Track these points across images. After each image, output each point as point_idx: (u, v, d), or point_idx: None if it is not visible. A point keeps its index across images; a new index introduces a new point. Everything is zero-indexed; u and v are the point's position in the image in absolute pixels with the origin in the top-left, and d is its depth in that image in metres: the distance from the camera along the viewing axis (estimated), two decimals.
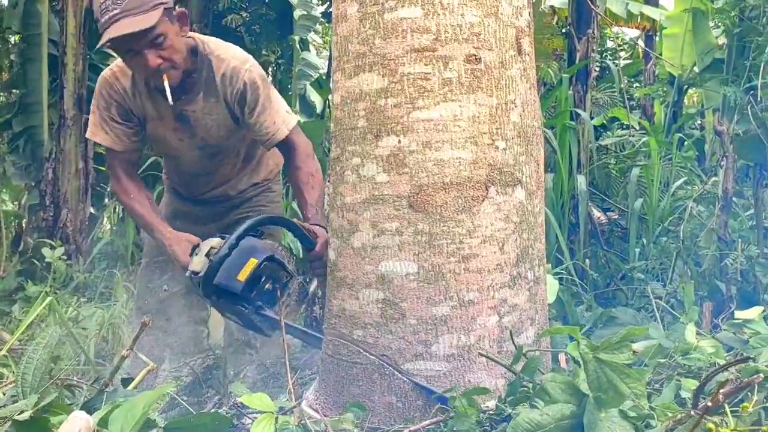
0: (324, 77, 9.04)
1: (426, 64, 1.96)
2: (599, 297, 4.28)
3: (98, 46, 2.56)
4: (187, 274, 2.61)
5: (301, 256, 2.72)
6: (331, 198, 2.16)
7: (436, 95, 1.95)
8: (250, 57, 2.80)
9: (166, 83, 2.57)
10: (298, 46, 8.27)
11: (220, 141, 2.89)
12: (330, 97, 2.62)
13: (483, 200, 1.97)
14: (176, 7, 2.63)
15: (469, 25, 1.97)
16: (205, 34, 2.93)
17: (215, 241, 2.58)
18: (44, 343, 1.79)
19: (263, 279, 2.48)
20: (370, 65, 2.01)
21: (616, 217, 5.72)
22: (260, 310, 2.48)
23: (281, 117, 2.78)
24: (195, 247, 2.67)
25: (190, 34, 2.77)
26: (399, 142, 1.97)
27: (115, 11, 2.43)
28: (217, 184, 3.06)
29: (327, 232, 2.40)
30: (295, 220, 2.66)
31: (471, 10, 1.97)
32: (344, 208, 2.08)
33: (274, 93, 2.81)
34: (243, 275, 2.42)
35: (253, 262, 2.44)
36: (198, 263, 2.56)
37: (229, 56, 2.74)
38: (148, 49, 2.50)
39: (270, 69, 10.04)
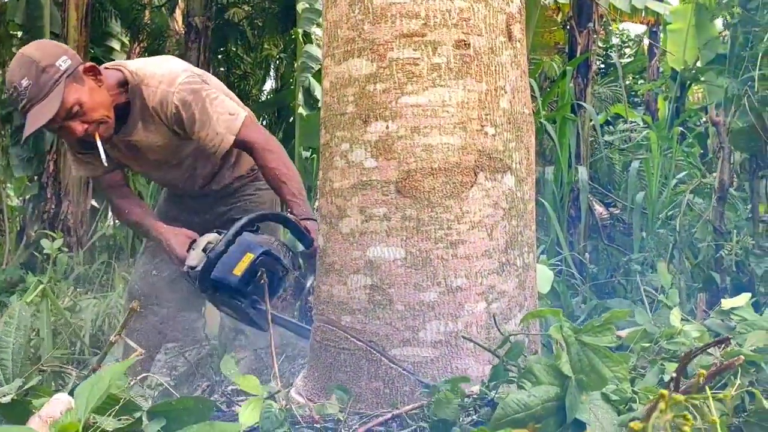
0: None
1: (415, 50, 1.95)
2: (598, 290, 4.27)
3: (24, 137, 2.65)
4: (185, 268, 2.64)
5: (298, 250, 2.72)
6: (321, 183, 2.16)
7: (425, 81, 1.94)
8: (179, 71, 2.71)
9: (98, 142, 2.60)
10: (301, 39, 8.25)
11: (177, 157, 2.90)
12: None
13: (471, 186, 1.96)
14: (83, 62, 2.60)
15: (458, 11, 1.96)
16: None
17: (212, 237, 2.62)
18: (14, 324, 1.76)
19: (259, 273, 2.49)
20: (359, 51, 2.01)
21: (618, 211, 5.69)
22: (256, 304, 2.51)
23: (224, 125, 2.69)
24: (192, 242, 2.70)
25: (119, 64, 2.76)
26: (387, 127, 1.96)
27: (24, 101, 2.48)
28: (196, 184, 3.06)
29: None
30: (292, 216, 2.66)
31: None
32: (333, 193, 2.07)
33: (211, 100, 2.69)
34: (239, 270, 2.47)
35: (249, 257, 2.48)
36: (195, 258, 2.60)
37: (156, 82, 2.67)
38: (69, 121, 2.54)
39: (273, 63, 10.05)
